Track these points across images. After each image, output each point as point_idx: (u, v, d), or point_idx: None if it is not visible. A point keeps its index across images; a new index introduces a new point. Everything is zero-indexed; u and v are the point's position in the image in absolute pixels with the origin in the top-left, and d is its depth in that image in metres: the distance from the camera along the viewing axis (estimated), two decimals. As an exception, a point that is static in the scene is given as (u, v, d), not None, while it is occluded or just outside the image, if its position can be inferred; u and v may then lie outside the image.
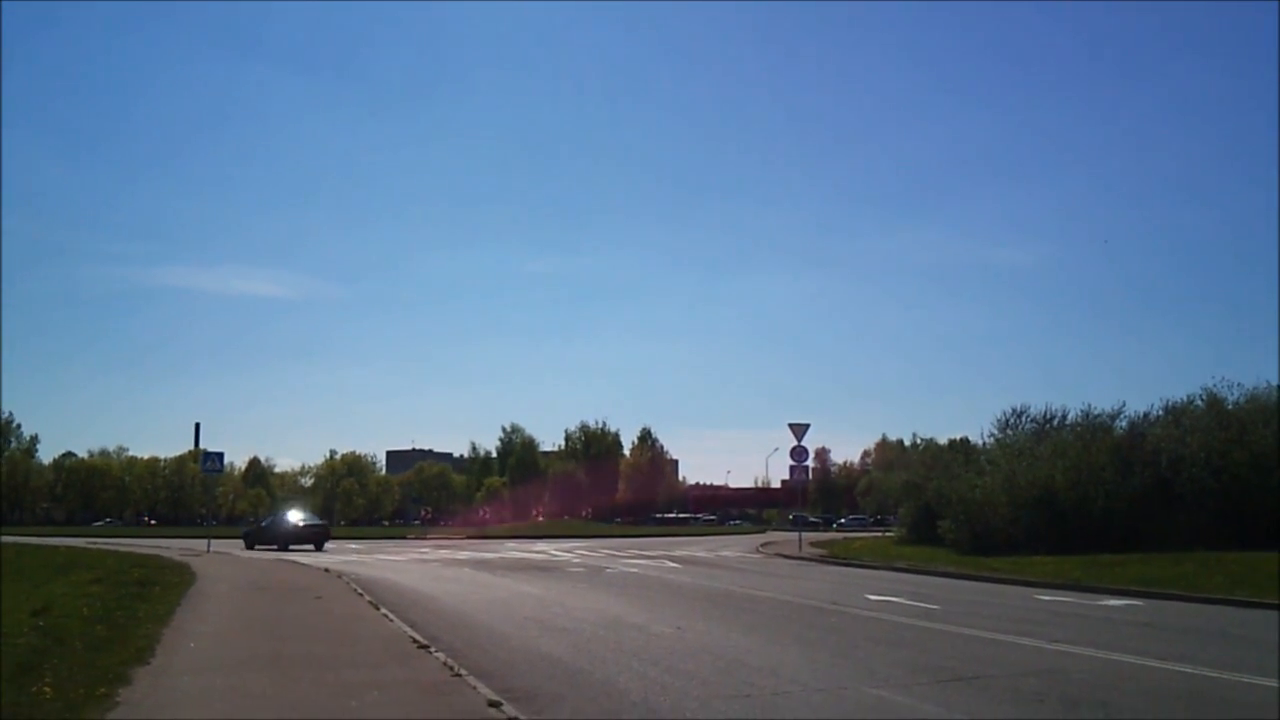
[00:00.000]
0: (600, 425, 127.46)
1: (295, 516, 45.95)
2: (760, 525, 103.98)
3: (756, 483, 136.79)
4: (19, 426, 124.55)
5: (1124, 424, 36.92)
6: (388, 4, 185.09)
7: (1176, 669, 10.87)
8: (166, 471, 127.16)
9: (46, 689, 8.47)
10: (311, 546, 41.78)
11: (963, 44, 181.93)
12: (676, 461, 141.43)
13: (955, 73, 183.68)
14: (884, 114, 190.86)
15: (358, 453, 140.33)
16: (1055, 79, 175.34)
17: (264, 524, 48.28)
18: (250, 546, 42.97)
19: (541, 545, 49.32)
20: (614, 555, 38.07)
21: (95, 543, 45.28)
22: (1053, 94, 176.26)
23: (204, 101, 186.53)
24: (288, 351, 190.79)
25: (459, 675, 9.87)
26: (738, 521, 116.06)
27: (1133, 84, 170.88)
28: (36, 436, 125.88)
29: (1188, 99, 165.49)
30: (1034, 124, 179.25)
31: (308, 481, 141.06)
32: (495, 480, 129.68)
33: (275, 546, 41.78)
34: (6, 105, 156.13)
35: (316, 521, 46.02)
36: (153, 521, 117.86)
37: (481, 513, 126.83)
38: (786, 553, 38.62)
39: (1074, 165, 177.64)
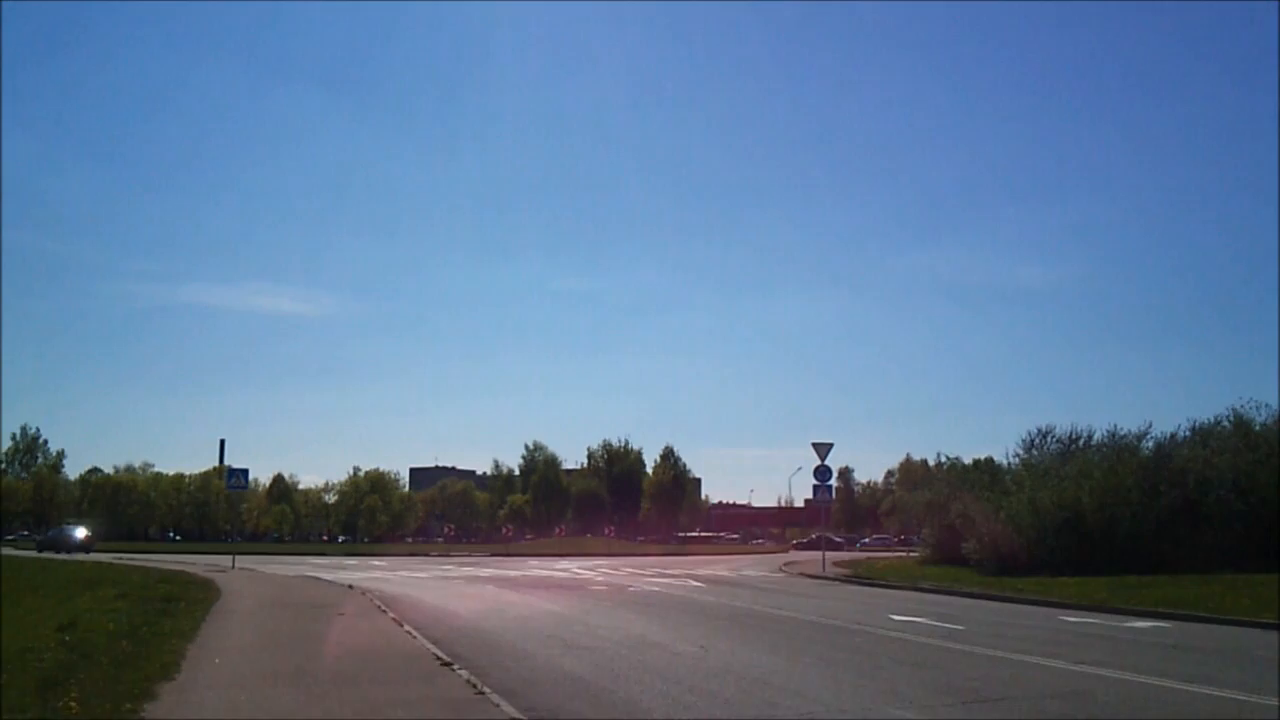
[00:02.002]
0: (623, 443, 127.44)
1: (74, 530, 63.78)
2: (783, 544, 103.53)
3: (780, 502, 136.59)
4: (46, 442, 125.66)
5: (1150, 445, 36.72)
6: (411, 22, 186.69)
7: (1202, 691, 10.77)
8: (191, 488, 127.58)
9: (72, 704, 8.53)
10: (84, 552, 54.03)
11: (984, 64, 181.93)
12: (699, 480, 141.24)
13: (977, 93, 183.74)
14: (906, 133, 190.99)
15: (381, 469, 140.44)
16: (1078, 98, 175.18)
17: (51, 534, 64.85)
18: (41, 551, 55.59)
19: (564, 563, 49.32)
20: (637, 574, 38.00)
21: (120, 558, 45.53)
22: (1075, 113, 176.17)
23: (227, 118, 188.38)
24: (312, 368, 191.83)
25: (482, 693, 9.89)
26: (760, 541, 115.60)
27: (1155, 103, 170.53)
28: (63, 452, 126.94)
29: (1208, 118, 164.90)
30: (1056, 143, 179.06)
31: (331, 498, 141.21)
32: (518, 498, 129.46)
33: (57, 551, 54.56)
34: (28, 120, 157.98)
35: (88, 534, 62.70)
36: (177, 537, 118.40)
37: (504, 530, 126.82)
38: (810, 572, 38.44)
39: (1097, 184, 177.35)
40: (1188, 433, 36.47)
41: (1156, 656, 13.84)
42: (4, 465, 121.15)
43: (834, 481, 42.87)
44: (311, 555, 60.69)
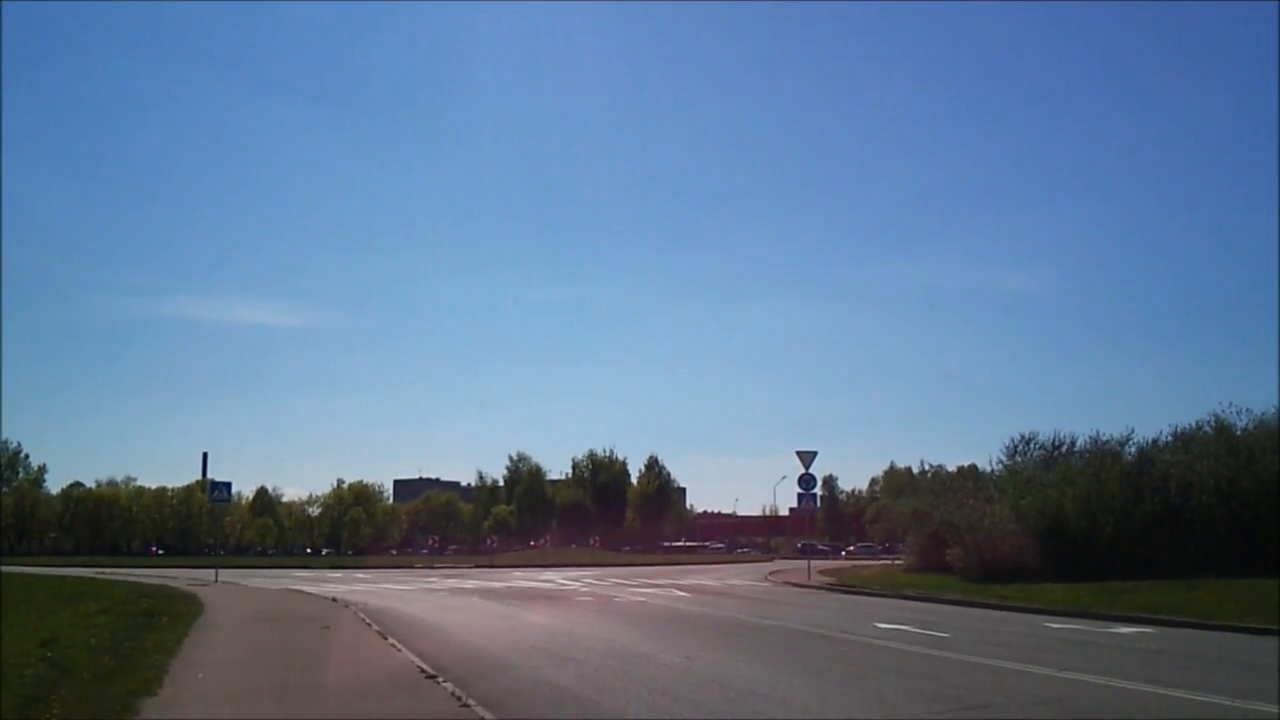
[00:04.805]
0: (608, 453, 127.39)
1: None
2: (768, 553, 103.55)
3: (764, 510, 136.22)
4: (27, 456, 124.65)
5: (1133, 450, 36.84)
6: (391, 31, 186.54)
7: (1186, 696, 10.81)
8: (174, 501, 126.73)
9: (54, 720, 8.48)
10: None
11: (967, 68, 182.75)
12: (684, 489, 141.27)
13: (960, 97, 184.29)
14: (890, 139, 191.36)
15: (365, 481, 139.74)
16: (1061, 102, 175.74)
17: None
18: None
19: (549, 574, 49.18)
20: (622, 584, 37.95)
21: (102, 573, 45.21)
22: (1058, 117, 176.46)
23: (206, 129, 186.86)
24: (295, 380, 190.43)
25: (467, 705, 9.86)
26: (745, 550, 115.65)
27: (1138, 107, 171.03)
28: (44, 466, 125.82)
29: (1193, 122, 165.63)
30: (1040, 148, 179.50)
31: (315, 511, 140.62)
32: (502, 509, 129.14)
33: None
34: (10, 133, 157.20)
35: None
36: (160, 551, 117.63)
37: (489, 541, 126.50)
38: (795, 581, 38.46)
39: (1080, 189, 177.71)
40: (1170, 438, 36.61)
41: (1141, 662, 13.89)
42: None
43: (818, 490, 42.84)
44: (295, 568, 60.35)
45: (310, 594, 29.86)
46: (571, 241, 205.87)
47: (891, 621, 20.42)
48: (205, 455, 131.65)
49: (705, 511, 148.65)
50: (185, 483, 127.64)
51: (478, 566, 63.79)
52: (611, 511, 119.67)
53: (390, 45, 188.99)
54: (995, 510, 35.00)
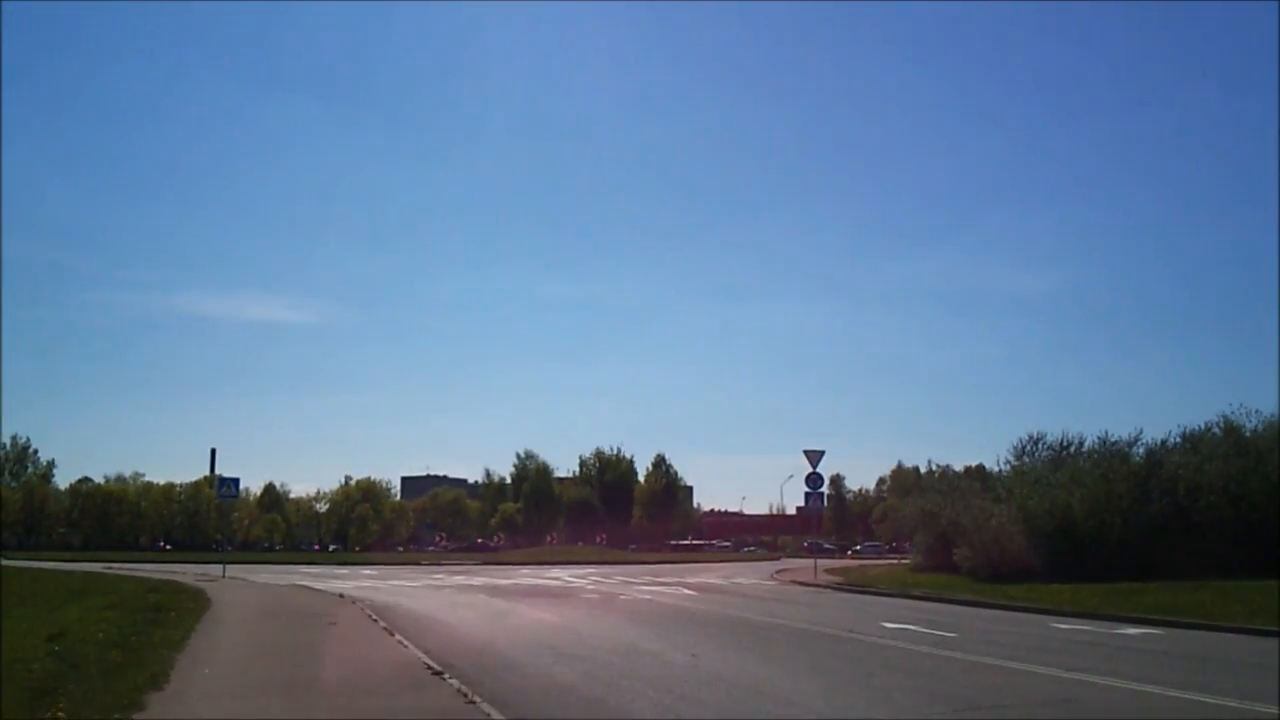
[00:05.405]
0: (615, 451, 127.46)
1: None
2: (775, 552, 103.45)
3: (771, 509, 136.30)
4: (36, 452, 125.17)
5: (1141, 451, 36.72)
6: (400, 28, 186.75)
7: (1194, 698, 10.77)
8: (182, 497, 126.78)
9: (61, 714, 8.51)
10: None
11: (977, 68, 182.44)
12: (691, 487, 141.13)
13: (970, 97, 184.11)
14: (899, 139, 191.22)
15: (373, 478, 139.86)
16: (1070, 102, 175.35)
17: None
18: None
19: (556, 571, 49.21)
20: (628, 582, 37.93)
21: (110, 568, 45.36)
22: (1064, 118, 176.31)
23: (216, 125, 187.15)
24: (303, 377, 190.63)
25: (473, 702, 9.87)
26: (752, 548, 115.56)
27: (1148, 106, 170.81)
28: (53, 462, 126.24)
29: (1201, 122, 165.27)
30: (1049, 149, 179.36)
31: (322, 507, 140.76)
32: (510, 506, 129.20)
33: None
34: (20, 129, 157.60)
35: None
36: (168, 547, 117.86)
37: (496, 539, 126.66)
38: (801, 580, 38.43)
39: (1086, 190, 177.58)
40: (1178, 439, 36.52)
41: (1148, 663, 13.85)
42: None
43: (825, 489, 42.74)
44: (302, 564, 60.45)
45: (317, 590, 29.91)
46: (580, 240, 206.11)
47: (898, 621, 20.39)
48: (213, 451, 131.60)
49: (712, 510, 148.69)
50: (193, 478, 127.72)
51: (485, 564, 63.87)
52: (618, 509, 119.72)
53: (400, 43, 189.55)
54: (1003, 510, 34.94)
